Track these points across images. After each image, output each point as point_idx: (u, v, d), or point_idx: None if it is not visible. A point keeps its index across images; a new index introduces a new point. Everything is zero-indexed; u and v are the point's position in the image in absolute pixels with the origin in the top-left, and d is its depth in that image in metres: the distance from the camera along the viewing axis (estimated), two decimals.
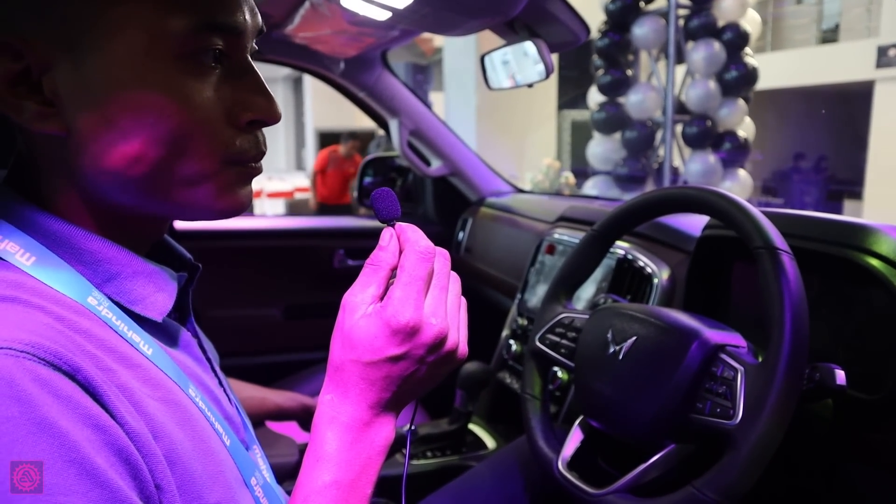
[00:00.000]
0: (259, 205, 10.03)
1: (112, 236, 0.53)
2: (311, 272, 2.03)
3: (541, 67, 1.29)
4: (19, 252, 0.49)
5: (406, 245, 0.56)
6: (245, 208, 0.56)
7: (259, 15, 0.56)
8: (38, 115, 0.49)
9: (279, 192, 10.31)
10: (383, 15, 1.20)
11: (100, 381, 0.44)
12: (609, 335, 0.86)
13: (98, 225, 0.53)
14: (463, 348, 0.57)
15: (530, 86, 1.34)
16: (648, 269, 1.18)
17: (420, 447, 1.34)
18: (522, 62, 1.34)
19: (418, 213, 2.20)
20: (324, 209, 6.79)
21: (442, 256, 0.58)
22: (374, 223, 2.15)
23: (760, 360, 0.75)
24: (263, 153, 0.56)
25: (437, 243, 0.58)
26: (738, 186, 6.53)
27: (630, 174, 6.88)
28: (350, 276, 0.57)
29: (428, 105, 1.98)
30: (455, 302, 0.58)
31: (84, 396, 0.43)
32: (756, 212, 0.79)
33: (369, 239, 2.06)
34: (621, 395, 0.82)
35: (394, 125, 1.91)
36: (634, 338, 0.83)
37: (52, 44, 0.48)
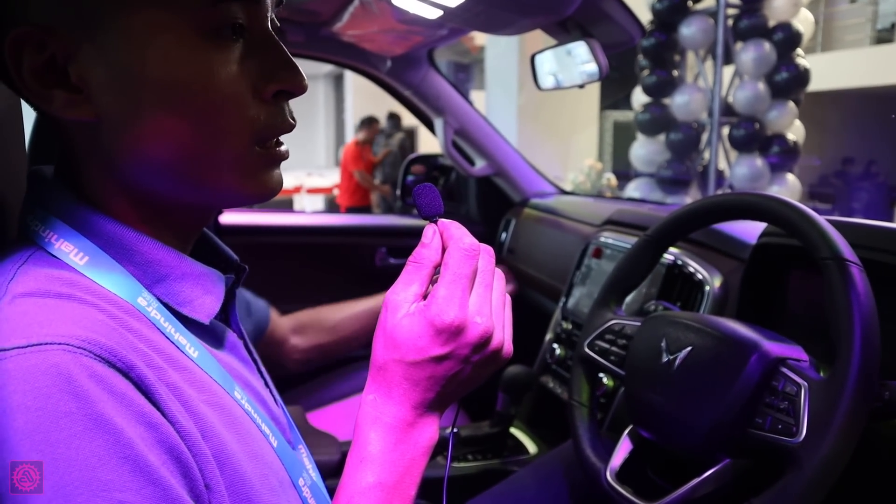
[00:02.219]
0: (298, 200, 10.14)
1: (154, 230, 0.53)
2: (352, 269, 2.04)
3: (592, 68, 1.26)
4: (73, 252, 0.50)
5: (450, 242, 0.55)
6: (274, 193, 0.55)
7: None
8: (68, 102, 0.48)
9: (319, 188, 10.42)
10: (434, 13, 1.19)
11: (152, 380, 0.44)
12: (663, 344, 0.83)
13: (140, 218, 0.53)
14: (508, 347, 0.56)
15: (581, 86, 1.32)
16: (699, 276, 1.15)
17: (461, 450, 1.33)
18: (573, 62, 1.32)
19: (461, 212, 2.19)
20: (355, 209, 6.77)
21: (486, 253, 0.56)
22: (417, 221, 2.14)
23: (823, 374, 0.72)
24: (293, 125, 0.55)
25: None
26: (787, 191, 6.35)
27: (674, 177, 6.74)
28: (392, 275, 0.56)
29: (472, 104, 1.96)
30: (500, 300, 0.56)
31: (137, 394, 0.43)
32: (822, 221, 0.76)
33: (412, 237, 2.05)
34: (675, 406, 0.79)
35: (439, 124, 1.90)
36: (690, 348, 0.80)
37: (73, 30, 0.47)
